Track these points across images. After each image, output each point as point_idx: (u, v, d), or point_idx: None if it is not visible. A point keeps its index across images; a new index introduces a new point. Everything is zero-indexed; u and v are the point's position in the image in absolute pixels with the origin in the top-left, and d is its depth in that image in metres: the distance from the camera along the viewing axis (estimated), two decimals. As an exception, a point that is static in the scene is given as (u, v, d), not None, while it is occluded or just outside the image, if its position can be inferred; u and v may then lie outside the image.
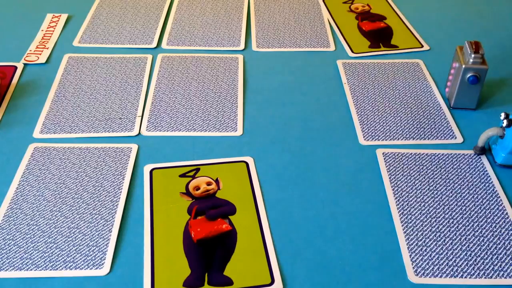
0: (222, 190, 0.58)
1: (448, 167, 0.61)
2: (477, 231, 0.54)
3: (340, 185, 0.59)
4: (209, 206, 0.55)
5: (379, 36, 0.85)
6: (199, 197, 0.57)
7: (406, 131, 0.66)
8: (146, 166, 0.60)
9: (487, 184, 0.59)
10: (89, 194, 0.57)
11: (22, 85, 0.73)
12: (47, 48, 0.81)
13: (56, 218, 0.55)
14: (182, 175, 0.59)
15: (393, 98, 0.72)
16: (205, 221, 0.54)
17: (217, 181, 0.58)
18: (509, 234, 0.54)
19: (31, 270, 0.50)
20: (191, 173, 0.59)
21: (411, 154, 0.63)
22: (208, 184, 0.58)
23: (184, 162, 0.61)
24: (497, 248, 0.52)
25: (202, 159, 0.61)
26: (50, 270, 0.50)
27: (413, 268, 0.51)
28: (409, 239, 0.53)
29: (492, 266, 0.51)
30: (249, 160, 0.61)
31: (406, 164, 0.62)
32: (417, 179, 0.60)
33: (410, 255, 0.52)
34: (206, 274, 0.49)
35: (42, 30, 0.85)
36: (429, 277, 0.50)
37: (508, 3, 0.96)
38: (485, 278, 0.50)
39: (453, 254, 0.52)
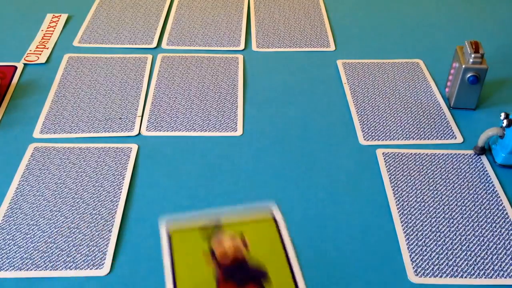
0: (250, 251, 0.51)
1: (448, 167, 0.61)
2: (477, 231, 0.54)
3: (340, 185, 0.59)
4: (238, 270, 0.49)
5: None
6: (229, 266, 0.50)
7: (406, 131, 0.66)
8: (163, 225, 0.53)
9: (487, 184, 0.59)
10: (89, 194, 0.57)
11: (22, 85, 0.73)
12: (47, 48, 0.81)
13: (56, 218, 0.55)
14: (203, 234, 0.52)
15: (393, 98, 0.72)
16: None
17: (244, 241, 0.52)
18: (509, 234, 0.54)
19: (31, 270, 0.50)
20: (212, 232, 0.53)
21: (411, 154, 0.63)
22: (235, 248, 0.51)
23: (202, 213, 0.55)
24: (497, 248, 0.52)
25: (221, 209, 0.56)
26: (50, 270, 0.50)
27: (413, 268, 0.51)
28: (409, 239, 0.53)
29: (492, 266, 0.51)
30: (277, 214, 0.55)
31: (406, 164, 0.62)
32: (417, 179, 0.60)
33: (410, 255, 0.52)
34: None
35: (42, 30, 0.85)
36: (429, 277, 0.50)
37: (508, 3, 0.96)
38: (485, 278, 0.50)
39: (453, 254, 0.52)
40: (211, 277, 0.48)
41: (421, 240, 0.53)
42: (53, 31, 0.85)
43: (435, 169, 0.61)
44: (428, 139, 0.65)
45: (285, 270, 0.49)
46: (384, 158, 0.62)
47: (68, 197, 0.57)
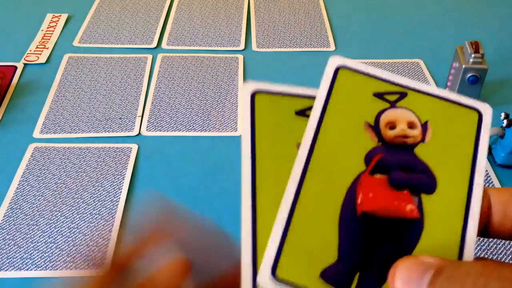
0: (426, 144, 0.34)
1: (448, 167, 0.61)
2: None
3: (340, 185, 0.59)
4: (400, 163, 0.33)
5: None
6: (390, 142, 0.34)
7: (406, 131, 0.66)
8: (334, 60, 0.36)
9: (487, 184, 0.59)
10: (89, 194, 0.57)
11: (22, 85, 0.73)
12: (47, 48, 0.81)
13: (56, 218, 0.55)
14: (378, 95, 0.35)
15: (393, 98, 0.72)
16: (385, 186, 0.32)
17: (425, 126, 0.35)
18: (509, 234, 0.54)
19: (31, 270, 0.50)
20: (394, 97, 0.36)
21: (411, 154, 0.63)
22: (410, 126, 0.34)
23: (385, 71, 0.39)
24: (497, 248, 0.52)
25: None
26: (50, 270, 0.50)
27: (413, 268, 0.50)
28: (409, 239, 0.53)
29: (492, 266, 0.51)
30: (486, 109, 0.34)
31: (406, 164, 0.61)
32: (417, 179, 0.60)
33: (410, 255, 0.52)
34: (359, 274, 0.30)
35: (42, 30, 0.85)
36: (429, 277, 0.50)
37: (508, 3, 0.96)
38: (485, 278, 0.50)
39: (453, 254, 0.52)
40: (362, 151, 0.33)
41: (421, 240, 0.53)
42: (53, 31, 0.85)
43: (435, 169, 0.61)
44: (428, 139, 0.65)
45: (459, 194, 0.32)
46: (384, 158, 0.62)
47: (68, 197, 0.57)
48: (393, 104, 0.35)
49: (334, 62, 0.36)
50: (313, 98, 0.35)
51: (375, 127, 0.34)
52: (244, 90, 0.33)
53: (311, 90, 0.35)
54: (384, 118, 0.34)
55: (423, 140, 0.34)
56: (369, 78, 0.36)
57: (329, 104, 0.34)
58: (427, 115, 0.35)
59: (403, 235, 0.31)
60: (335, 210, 0.30)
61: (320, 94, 0.35)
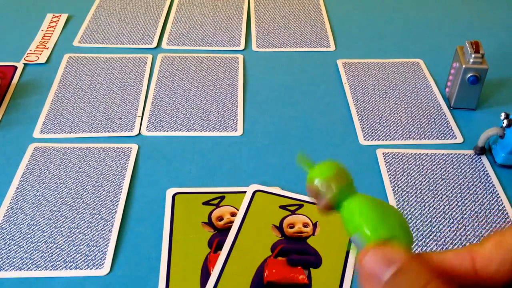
0: (316, 237, 0.52)
1: (448, 167, 0.61)
2: (477, 231, 0.54)
3: (340, 185, 0.59)
4: (296, 249, 0.50)
5: None
6: (290, 237, 0.52)
7: (406, 131, 0.66)
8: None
9: (487, 184, 0.59)
10: (89, 194, 0.57)
11: (22, 85, 0.73)
12: (47, 48, 0.81)
13: (56, 218, 0.55)
14: (282, 207, 0.53)
15: (393, 98, 0.72)
16: (284, 265, 0.49)
17: (315, 225, 0.53)
18: (509, 234, 0.54)
19: (31, 270, 0.50)
20: (294, 207, 0.54)
21: (411, 154, 0.63)
22: (305, 225, 0.53)
23: (286, 192, 0.55)
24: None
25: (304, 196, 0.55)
26: (50, 270, 0.50)
27: (413, 268, 0.51)
28: (409, 239, 0.53)
29: (492, 266, 0.51)
30: None
31: (406, 164, 0.62)
32: (417, 179, 0.60)
33: (410, 255, 0.52)
34: None
35: (42, 30, 0.85)
36: (429, 277, 0.50)
37: (508, 3, 0.96)
38: (485, 278, 0.50)
39: (453, 254, 0.52)
40: (268, 244, 0.50)
41: (421, 240, 0.53)
42: (53, 31, 0.85)
43: (435, 169, 0.61)
44: (428, 139, 0.65)
45: (337, 271, 0.48)
46: (384, 158, 0.62)
47: (68, 197, 0.57)
48: (293, 212, 0.53)
49: (252, 188, 0.55)
50: (214, 193, 0.55)
51: (279, 227, 0.52)
52: (168, 192, 0.55)
53: (213, 188, 0.56)
54: (286, 221, 0.52)
55: (313, 234, 0.52)
56: (276, 196, 0.55)
57: (248, 213, 0.52)
58: (317, 218, 0.52)
59: None
60: (247, 281, 0.47)
61: (242, 206, 0.52)
